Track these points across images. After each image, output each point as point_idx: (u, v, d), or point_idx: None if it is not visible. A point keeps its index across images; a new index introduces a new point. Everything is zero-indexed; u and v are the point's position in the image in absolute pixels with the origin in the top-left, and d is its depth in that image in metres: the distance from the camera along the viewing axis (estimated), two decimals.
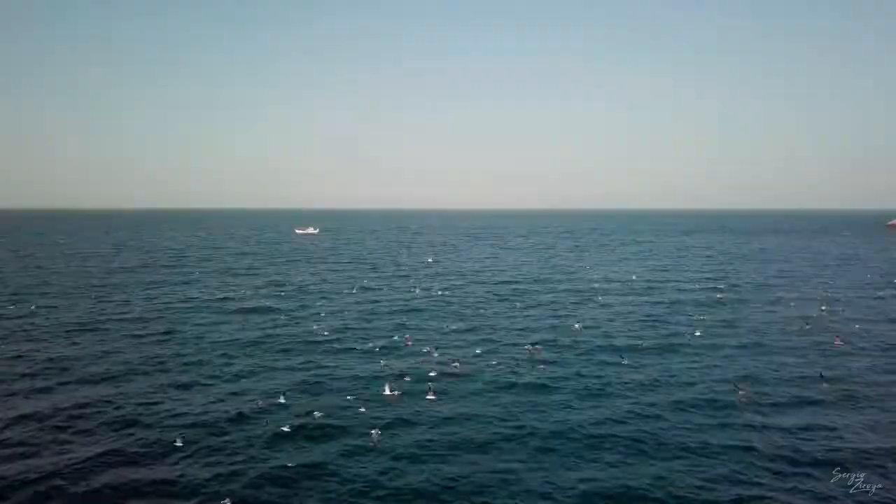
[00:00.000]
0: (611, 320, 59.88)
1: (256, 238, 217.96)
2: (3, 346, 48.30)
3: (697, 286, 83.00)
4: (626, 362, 43.73)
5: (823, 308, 65.29)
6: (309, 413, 33.42)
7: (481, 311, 65.18)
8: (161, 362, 43.80)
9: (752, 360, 44.95)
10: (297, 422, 32.34)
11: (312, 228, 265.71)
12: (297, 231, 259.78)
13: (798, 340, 50.93)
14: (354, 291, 78.88)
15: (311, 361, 44.26)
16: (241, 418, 32.79)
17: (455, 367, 42.30)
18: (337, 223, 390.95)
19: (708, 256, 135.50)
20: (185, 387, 38.58)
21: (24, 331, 54.12)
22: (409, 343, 49.28)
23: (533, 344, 48.03)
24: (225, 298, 72.65)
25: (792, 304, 68.04)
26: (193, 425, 32.04)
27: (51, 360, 44.22)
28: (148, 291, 78.14)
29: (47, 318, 59.46)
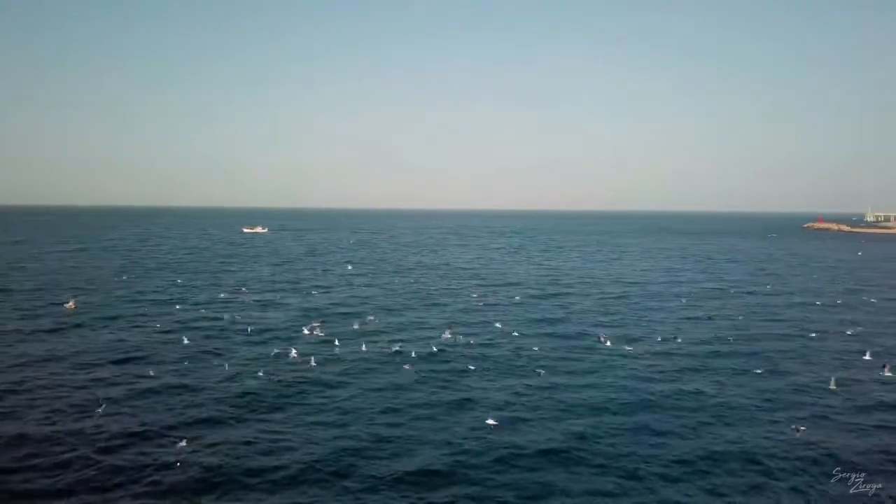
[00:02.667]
0: (706, 318, 62.24)
1: (216, 237, 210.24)
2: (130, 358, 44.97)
3: (721, 285, 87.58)
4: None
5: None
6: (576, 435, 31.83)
7: (549, 315, 66.05)
8: (320, 381, 40.71)
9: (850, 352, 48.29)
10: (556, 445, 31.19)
11: (261, 228, 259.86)
12: (245, 230, 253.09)
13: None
14: (407, 297, 78.03)
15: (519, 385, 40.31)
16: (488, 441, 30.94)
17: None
18: (278, 222, 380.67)
19: (684, 258, 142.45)
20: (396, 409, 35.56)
21: (129, 344, 49.96)
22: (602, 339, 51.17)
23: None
24: (274, 304, 70.08)
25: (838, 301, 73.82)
26: (432, 446, 31.20)
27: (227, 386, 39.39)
28: (180, 294, 74.19)
29: (133, 326, 55.64)
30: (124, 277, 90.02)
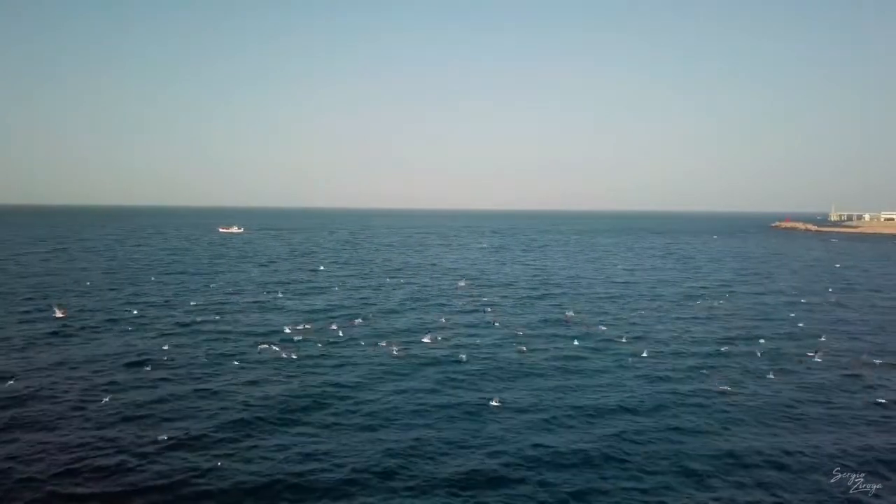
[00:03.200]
0: (704, 318, 63.51)
1: (194, 238, 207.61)
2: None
3: (709, 283, 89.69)
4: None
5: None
6: None
7: (550, 315, 67.09)
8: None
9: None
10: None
11: (237, 227, 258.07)
12: (220, 230, 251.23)
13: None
14: (403, 298, 78.39)
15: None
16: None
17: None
18: (256, 222, 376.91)
19: (663, 256, 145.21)
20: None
21: (137, 348, 49.51)
22: None
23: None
24: (272, 305, 69.89)
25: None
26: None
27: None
28: (174, 296, 73.47)
29: (135, 329, 54.93)
30: (113, 279, 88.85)
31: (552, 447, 30.71)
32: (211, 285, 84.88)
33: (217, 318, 60.83)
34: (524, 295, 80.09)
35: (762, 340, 53.90)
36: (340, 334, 54.14)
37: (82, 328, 55.26)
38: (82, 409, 34.73)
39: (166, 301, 70.68)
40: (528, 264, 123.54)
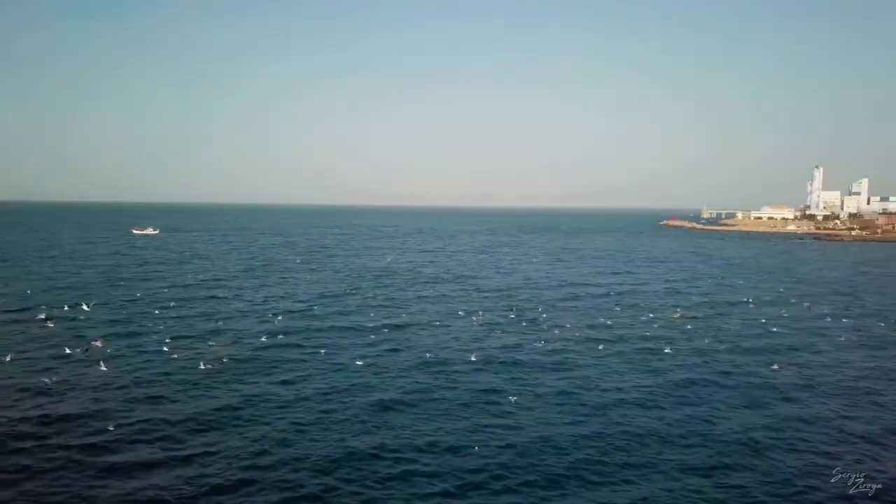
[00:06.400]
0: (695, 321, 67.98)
1: (133, 243, 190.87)
2: None
3: (676, 286, 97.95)
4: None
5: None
6: None
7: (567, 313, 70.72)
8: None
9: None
10: None
11: (152, 229, 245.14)
12: (135, 231, 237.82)
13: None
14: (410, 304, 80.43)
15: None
16: None
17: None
18: (163, 222, 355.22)
19: (599, 257, 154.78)
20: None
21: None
22: None
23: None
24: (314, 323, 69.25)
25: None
26: None
27: None
28: (207, 310, 71.46)
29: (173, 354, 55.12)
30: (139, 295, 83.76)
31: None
32: (234, 298, 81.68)
33: (326, 340, 57.72)
34: (529, 304, 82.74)
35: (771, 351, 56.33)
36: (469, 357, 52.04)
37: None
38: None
39: (208, 317, 68.54)
40: (501, 268, 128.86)
